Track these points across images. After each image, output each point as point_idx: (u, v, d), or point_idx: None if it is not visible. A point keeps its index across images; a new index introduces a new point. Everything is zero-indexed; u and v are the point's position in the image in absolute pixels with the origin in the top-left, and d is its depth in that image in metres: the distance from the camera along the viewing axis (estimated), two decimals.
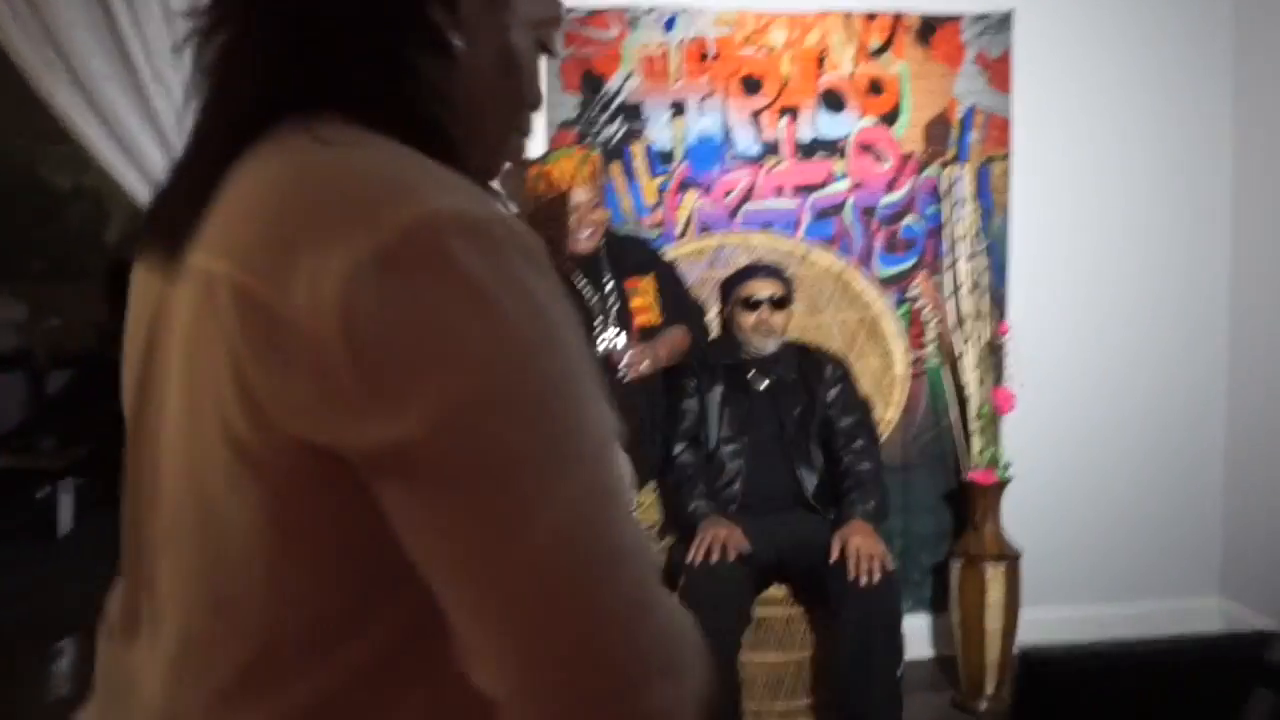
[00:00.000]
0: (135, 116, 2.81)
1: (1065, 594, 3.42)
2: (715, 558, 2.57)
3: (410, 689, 0.57)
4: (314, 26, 0.60)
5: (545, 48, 0.72)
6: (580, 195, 2.72)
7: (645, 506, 2.85)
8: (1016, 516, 3.34)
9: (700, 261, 3.16)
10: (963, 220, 3.07)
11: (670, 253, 3.12)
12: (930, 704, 3.02)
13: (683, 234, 3.17)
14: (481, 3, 0.65)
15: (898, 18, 3.21)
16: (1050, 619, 3.36)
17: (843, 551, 2.59)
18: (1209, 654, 1.08)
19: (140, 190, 2.85)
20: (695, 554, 2.60)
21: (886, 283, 3.26)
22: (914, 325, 3.25)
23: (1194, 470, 3.48)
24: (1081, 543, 3.43)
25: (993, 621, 2.92)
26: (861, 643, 2.53)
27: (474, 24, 0.65)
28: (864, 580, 2.54)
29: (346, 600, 0.57)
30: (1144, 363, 3.43)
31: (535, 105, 0.73)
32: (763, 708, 2.82)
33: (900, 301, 3.25)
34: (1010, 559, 2.95)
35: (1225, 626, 3.48)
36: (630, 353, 2.70)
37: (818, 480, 2.82)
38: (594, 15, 3.07)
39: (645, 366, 2.71)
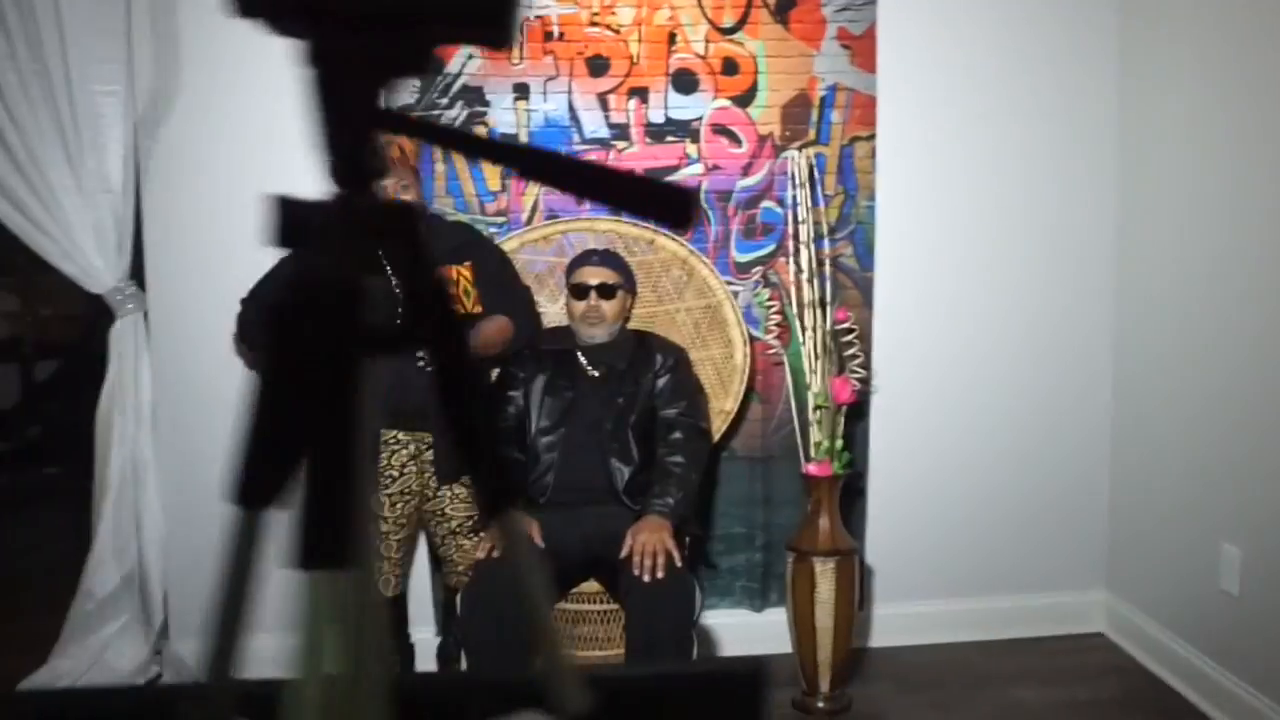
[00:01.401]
0: None
1: (947, 589, 3.31)
2: (498, 553, 2.53)
3: None
4: None
5: None
6: (385, 178, 2.69)
7: (462, 500, 2.81)
8: (890, 511, 3.24)
9: (547, 249, 3.10)
10: (802, 204, 2.94)
11: (514, 240, 3.07)
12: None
13: (529, 220, 3.11)
14: None
15: None
16: (930, 612, 3.27)
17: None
18: (151, 704, 1.01)
19: None
20: (481, 549, 2.57)
21: (745, 269, 3.16)
22: (777, 313, 3.14)
23: (1078, 464, 3.33)
24: (961, 538, 3.30)
25: (824, 619, 2.82)
26: (645, 641, 2.48)
27: None
28: (646, 577, 2.48)
29: None
30: (1023, 352, 3.28)
31: None
32: None
33: (759, 289, 3.15)
34: (843, 554, 2.84)
35: (1109, 623, 3.32)
36: None
37: (631, 473, 2.75)
38: None
39: None
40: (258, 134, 3.03)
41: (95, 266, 3.07)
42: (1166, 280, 3.02)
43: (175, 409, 3.14)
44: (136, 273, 3.13)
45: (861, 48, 3.11)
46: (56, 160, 3.01)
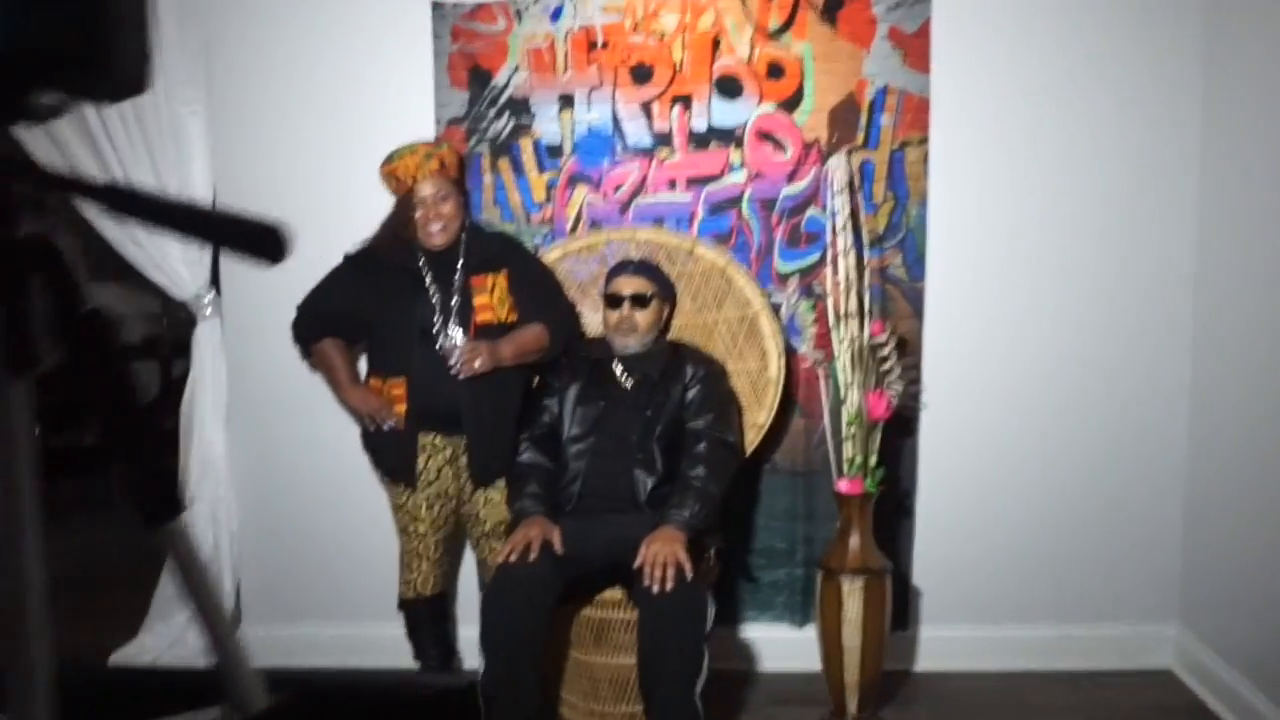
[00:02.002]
0: None
1: (1000, 614, 3.17)
2: (515, 558, 2.58)
3: None
4: None
5: None
6: (425, 189, 2.78)
7: (495, 504, 2.88)
8: (938, 530, 3.13)
9: (590, 258, 3.13)
10: (840, 212, 2.85)
11: (557, 249, 3.11)
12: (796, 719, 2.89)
13: (573, 230, 3.15)
14: None
15: None
16: (980, 638, 3.14)
17: None
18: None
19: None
20: (502, 554, 2.62)
21: (788, 278, 3.11)
22: (820, 324, 3.06)
23: (1149, 487, 3.11)
24: (1016, 561, 3.15)
25: (851, 638, 2.75)
26: (652, 651, 2.48)
27: None
28: (655, 587, 2.48)
29: None
30: (1088, 369, 3.09)
31: None
32: (607, 709, 2.81)
33: (803, 298, 3.08)
34: (873, 574, 2.76)
35: (1179, 660, 3.10)
36: (460, 349, 2.74)
37: (654, 484, 2.75)
38: (480, 9, 3.09)
39: (480, 363, 2.74)
40: (324, 146, 3.19)
41: (180, 275, 3.29)
42: (1248, 298, 2.77)
43: (248, 407, 3.34)
44: (214, 280, 3.34)
45: (914, 47, 3.00)
46: (146, 176, 3.23)
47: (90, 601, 4.08)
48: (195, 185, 3.27)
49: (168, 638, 3.35)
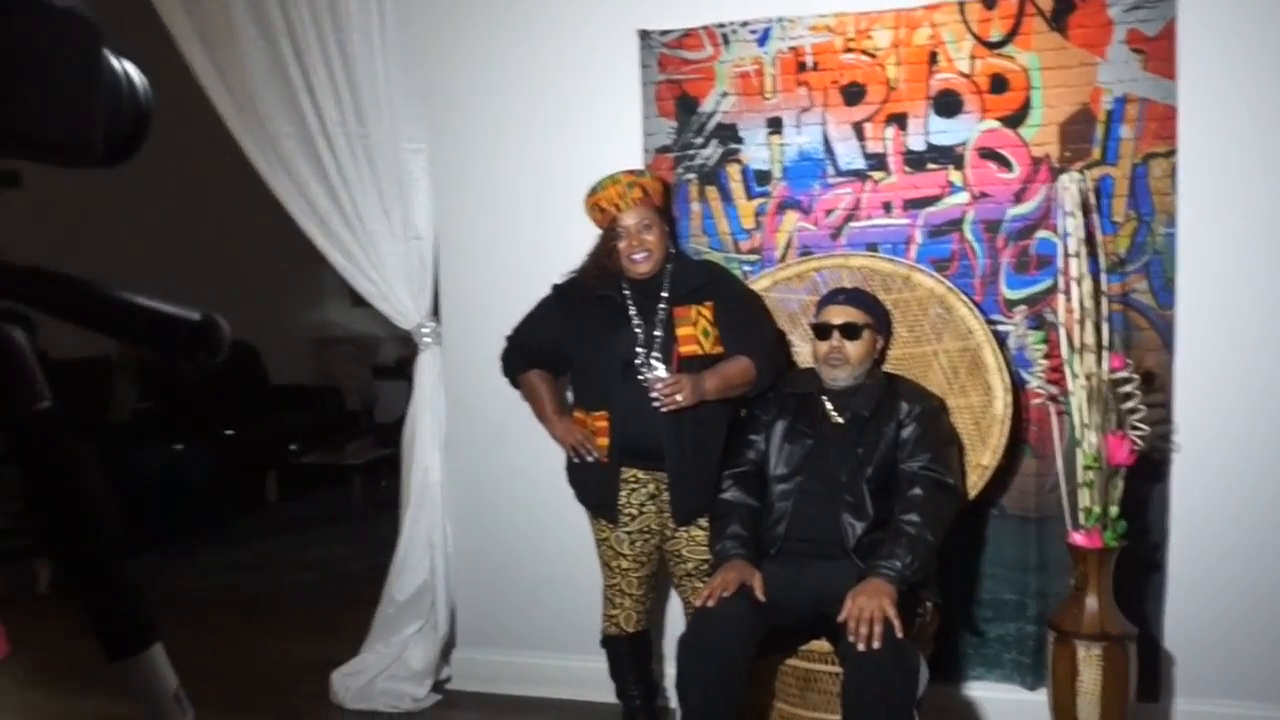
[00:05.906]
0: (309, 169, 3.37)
1: (1270, 691, 2.75)
2: (713, 603, 2.47)
3: None
4: None
5: None
6: (628, 219, 2.75)
7: (699, 542, 2.79)
8: (1195, 590, 2.78)
9: (800, 286, 3.00)
10: (1073, 234, 2.58)
11: (766, 278, 3.01)
12: None
13: (783, 258, 3.03)
14: None
15: (1024, 1, 2.78)
16: (1246, 716, 2.76)
17: None
18: None
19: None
20: (700, 598, 2.52)
21: (1016, 306, 2.86)
22: (1053, 357, 2.79)
23: None
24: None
25: (1087, 711, 2.46)
26: (857, 715, 2.30)
27: None
28: (861, 645, 2.30)
29: None
30: None
31: None
32: None
33: (1034, 328, 2.82)
34: (1113, 640, 2.46)
35: None
36: (662, 383, 2.67)
37: (863, 530, 2.58)
38: (686, 36, 3.05)
39: (683, 398, 2.66)
40: (537, 179, 3.24)
41: (405, 305, 3.43)
42: None
43: (464, 434, 3.43)
44: (435, 310, 3.46)
45: (1157, 50, 2.69)
46: (375, 212, 3.39)
47: (324, 615, 4.32)
48: (418, 219, 3.40)
49: (388, 657, 3.47)
